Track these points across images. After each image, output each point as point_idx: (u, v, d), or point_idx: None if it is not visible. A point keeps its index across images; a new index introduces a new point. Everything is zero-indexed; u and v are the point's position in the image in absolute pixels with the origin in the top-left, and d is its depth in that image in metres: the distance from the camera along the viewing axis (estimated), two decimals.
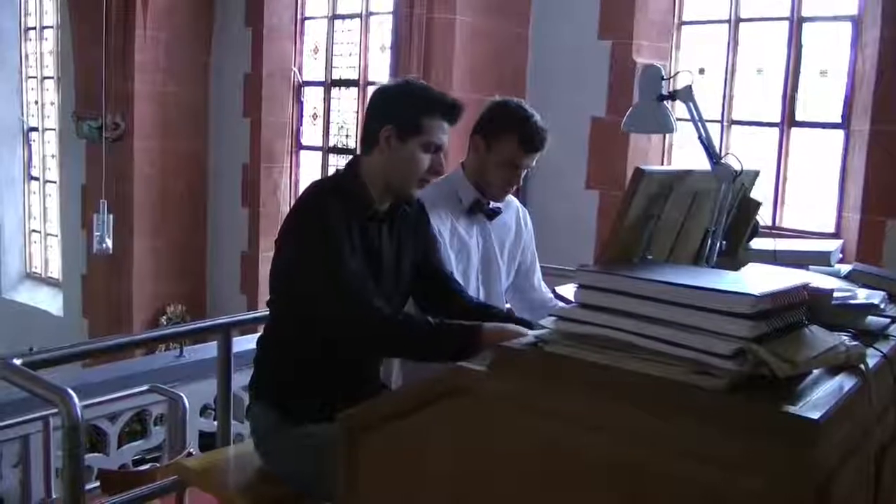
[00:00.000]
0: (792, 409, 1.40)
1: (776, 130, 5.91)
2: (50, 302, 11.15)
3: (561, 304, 3.23)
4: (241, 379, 5.16)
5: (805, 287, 1.67)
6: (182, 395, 4.52)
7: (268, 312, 2.65)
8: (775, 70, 5.90)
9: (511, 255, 3.16)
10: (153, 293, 9.33)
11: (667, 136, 6.19)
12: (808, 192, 5.88)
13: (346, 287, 2.32)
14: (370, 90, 8.25)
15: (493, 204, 3.04)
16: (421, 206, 2.69)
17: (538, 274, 3.33)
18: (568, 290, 2.38)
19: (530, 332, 1.74)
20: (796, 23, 5.76)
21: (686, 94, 2.20)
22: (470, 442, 1.73)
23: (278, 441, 2.53)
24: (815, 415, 1.37)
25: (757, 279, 1.70)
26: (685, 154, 6.33)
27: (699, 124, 2.21)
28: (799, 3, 5.75)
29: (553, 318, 1.69)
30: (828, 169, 5.70)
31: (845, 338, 1.75)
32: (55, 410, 3.13)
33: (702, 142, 2.19)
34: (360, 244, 2.42)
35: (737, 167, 2.11)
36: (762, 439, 1.37)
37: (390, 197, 2.54)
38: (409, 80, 2.58)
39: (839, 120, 5.59)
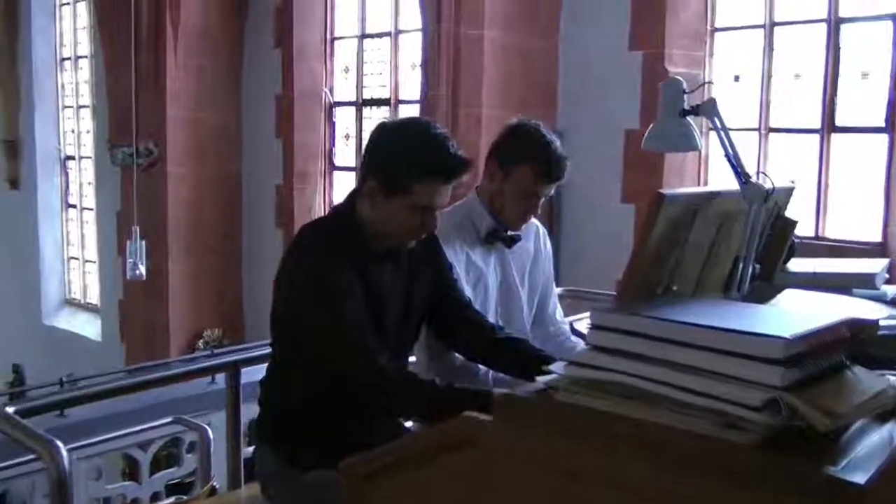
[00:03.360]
0: (833, 469, 1.23)
1: (816, 137, 5.71)
2: (89, 327, 11.20)
3: (575, 337, 3.04)
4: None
5: (846, 324, 1.49)
6: (205, 425, 4.41)
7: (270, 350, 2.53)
8: (813, 74, 5.70)
9: (532, 283, 2.97)
10: (190, 317, 9.32)
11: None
12: (852, 200, 5.66)
13: (348, 343, 2.19)
14: (402, 109, 8.17)
15: (510, 231, 2.85)
16: (432, 236, 2.49)
17: (554, 300, 3.13)
18: (585, 326, 2.21)
19: (539, 378, 1.58)
20: (834, 24, 5.55)
21: (710, 109, 2.04)
22: (476, 496, 1.57)
23: (284, 486, 2.40)
24: (860, 478, 1.20)
25: (792, 315, 1.53)
26: (723, 166, 6.11)
27: (726, 141, 2.04)
28: (836, 4, 5.54)
29: (564, 362, 1.54)
30: (872, 176, 5.47)
31: (894, 378, 1.57)
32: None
33: (729, 159, 2.02)
34: (362, 288, 2.27)
35: (768, 186, 1.94)
36: None
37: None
38: (410, 125, 2.39)
39: (882, 124, 5.37)
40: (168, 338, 9.23)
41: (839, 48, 5.55)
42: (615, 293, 5.24)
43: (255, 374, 3.62)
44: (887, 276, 2.48)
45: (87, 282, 11.73)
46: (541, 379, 1.57)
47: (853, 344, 1.50)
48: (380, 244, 2.34)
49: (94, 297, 11.50)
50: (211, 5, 8.95)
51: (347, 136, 8.86)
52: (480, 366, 2.64)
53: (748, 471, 1.27)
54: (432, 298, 2.49)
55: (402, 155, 2.24)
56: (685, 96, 2.08)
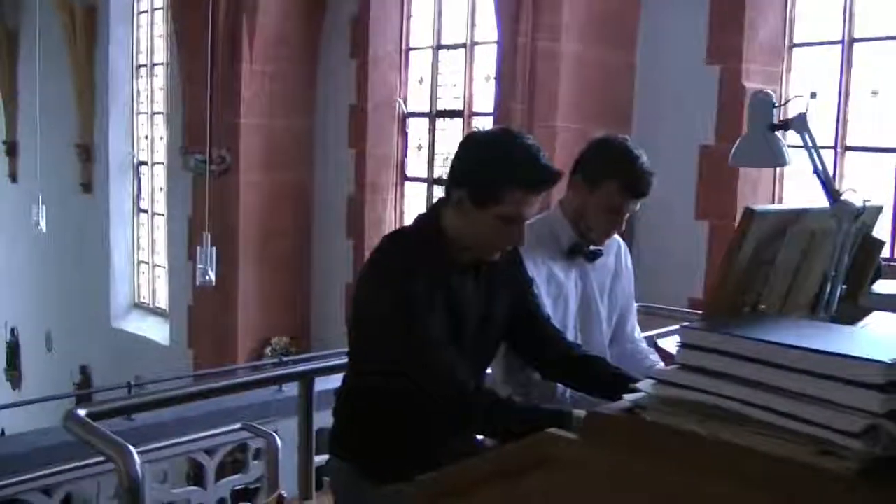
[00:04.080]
0: None
1: (894, 156, 5.58)
2: (157, 331, 11.35)
3: (655, 356, 3.00)
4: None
5: None
6: (273, 432, 4.45)
7: (347, 360, 2.53)
8: (892, 91, 5.58)
9: (612, 300, 2.94)
10: (258, 324, 9.39)
11: None
12: None
13: (428, 357, 2.19)
14: (475, 121, 8.18)
15: (592, 246, 2.83)
16: (514, 249, 2.47)
17: (633, 320, 3.09)
18: (669, 344, 2.18)
19: (627, 397, 1.55)
20: None
21: (800, 124, 1.99)
22: None
23: (357, 498, 2.40)
24: None
25: (887, 338, 1.48)
26: (798, 183, 6.03)
27: (815, 157, 2.00)
28: None
29: (651, 380, 1.51)
30: None
31: None
32: None
33: (818, 176, 1.98)
34: (443, 300, 2.26)
35: (858, 203, 1.89)
36: None
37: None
38: (503, 134, 2.35)
39: None
40: (236, 343, 9.34)
41: None
42: (688, 310, 5.20)
43: (324, 382, 3.65)
44: None
45: (157, 286, 11.91)
46: (628, 397, 1.54)
47: None
48: (463, 256, 2.33)
49: (162, 301, 11.67)
50: (288, 14, 9.03)
51: (420, 147, 8.87)
52: (559, 385, 2.61)
53: (845, 500, 1.23)
54: (512, 313, 2.48)
55: (493, 164, 2.23)
56: (774, 110, 2.04)
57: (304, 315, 9.62)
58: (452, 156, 2.37)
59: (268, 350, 9.38)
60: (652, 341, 3.02)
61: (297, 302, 9.57)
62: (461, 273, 2.33)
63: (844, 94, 5.81)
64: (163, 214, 11.47)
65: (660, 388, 1.49)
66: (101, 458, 4.47)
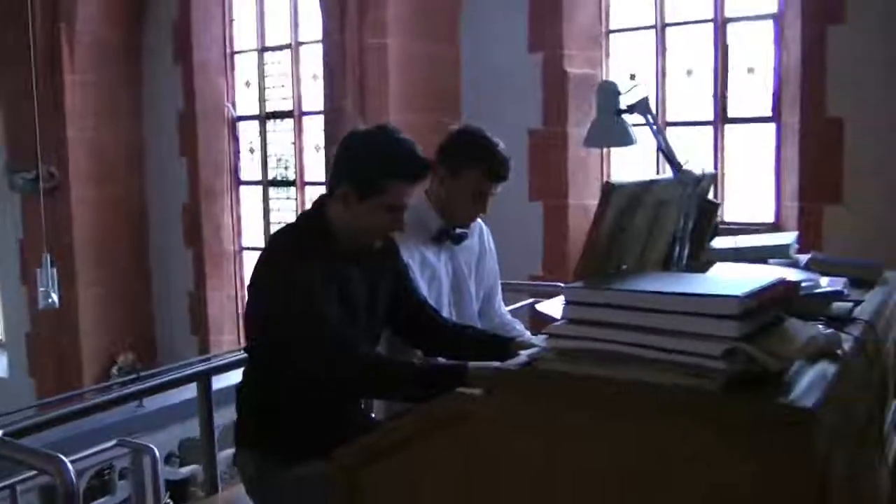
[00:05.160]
0: (786, 399, 1.48)
1: (710, 129, 6.06)
2: None
3: (520, 326, 3.30)
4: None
5: (781, 283, 1.75)
6: (152, 446, 4.49)
7: (243, 355, 2.68)
8: (704, 70, 6.05)
9: (479, 277, 3.22)
10: (101, 345, 9.11)
11: None
12: (746, 185, 6.03)
13: (328, 337, 2.37)
14: (305, 120, 8.28)
15: (458, 229, 3.08)
16: (389, 239, 2.70)
17: (499, 295, 3.38)
18: (547, 307, 2.44)
19: (523, 353, 1.79)
20: (721, 24, 5.93)
21: (643, 107, 2.28)
22: (472, 468, 1.76)
23: (270, 484, 2.55)
24: (809, 402, 1.46)
25: (735, 279, 1.78)
26: (622, 160, 6.45)
27: (658, 135, 2.29)
28: (722, 5, 5.91)
29: (544, 335, 1.75)
30: (762, 162, 5.86)
31: (820, 326, 1.84)
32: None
33: (663, 151, 2.27)
34: (335, 290, 2.45)
35: (698, 173, 2.19)
36: (763, 432, 1.45)
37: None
38: (378, 131, 2.54)
39: (770, 114, 5.76)
40: (81, 368, 9.00)
41: (727, 46, 5.92)
42: (534, 283, 5.50)
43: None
44: (797, 246, 2.78)
45: None
46: (524, 353, 1.78)
47: (788, 300, 1.76)
48: (349, 245, 2.53)
49: None
50: (107, 20, 8.80)
51: (252, 150, 8.88)
52: (440, 359, 2.84)
53: (716, 410, 1.51)
54: (393, 298, 2.70)
55: (375, 160, 2.44)
56: (619, 98, 2.32)
57: (147, 330, 9.42)
58: (334, 154, 2.56)
59: (114, 370, 9.14)
60: (531, 308, 3.28)
61: (139, 317, 9.35)
62: (347, 261, 2.53)
63: (661, 75, 6.25)
64: None
65: (552, 341, 1.73)
66: None
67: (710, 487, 1.50)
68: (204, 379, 3.31)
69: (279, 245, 2.54)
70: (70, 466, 2.41)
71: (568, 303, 1.74)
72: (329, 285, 2.42)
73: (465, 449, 1.77)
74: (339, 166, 2.51)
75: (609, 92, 2.34)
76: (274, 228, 8.59)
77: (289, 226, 2.67)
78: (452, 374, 2.19)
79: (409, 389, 2.36)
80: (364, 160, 2.47)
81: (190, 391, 5.38)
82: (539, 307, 3.15)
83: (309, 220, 2.61)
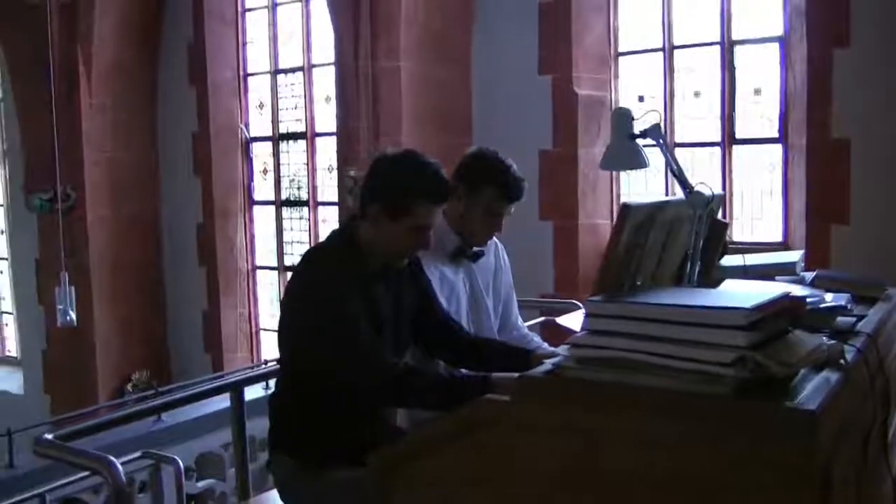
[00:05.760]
0: (791, 403, 1.60)
1: (718, 149, 6.16)
2: (9, 381, 10.86)
3: (538, 339, 3.41)
4: (224, 436, 5.28)
5: (787, 297, 1.87)
6: (176, 457, 4.58)
7: (275, 368, 2.80)
8: (712, 92, 6.17)
9: (496, 293, 3.34)
10: (117, 362, 9.22)
11: None
12: (753, 205, 6.13)
13: (362, 349, 2.50)
14: (318, 141, 8.41)
15: (475, 247, 3.21)
16: (414, 256, 2.82)
17: (515, 309, 3.49)
18: (567, 321, 2.56)
19: (547, 361, 1.91)
20: (728, 46, 6.04)
21: (655, 132, 2.41)
22: (502, 470, 1.88)
23: (302, 488, 2.67)
24: (813, 406, 1.58)
25: (744, 294, 1.90)
26: (633, 180, 6.55)
27: (670, 158, 2.41)
28: (729, 28, 6.03)
29: (567, 345, 1.87)
30: (770, 182, 5.96)
31: (824, 338, 1.96)
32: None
33: (674, 174, 2.39)
34: (365, 306, 2.58)
35: (708, 194, 2.31)
36: (770, 433, 1.57)
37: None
38: (406, 156, 2.68)
39: (776, 135, 5.87)
40: (96, 385, 9.09)
41: (734, 68, 6.03)
42: (547, 300, 5.60)
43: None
44: (803, 264, 2.90)
45: (6, 334, 11.44)
46: (548, 362, 1.90)
47: (793, 313, 1.88)
48: (376, 263, 2.67)
49: (13, 349, 11.20)
50: (123, 41, 8.94)
51: (265, 171, 9.00)
52: (463, 370, 2.95)
53: (727, 414, 1.63)
54: (417, 313, 2.83)
55: (404, 182, 2.59)
56: (632, 122, 2.45)
57: (162, 347, 9.53)
58: (366, 176, 2.70)
59: (129, 386, 9.23)
60: (552, 323, 3.39)
61: (154, 335, 9.46)
62: (376, 278, 2.66)
63: (669, 97, 6.37)
64: (6, 259, 11.11)
65: (574, 350, 1.85)
66: None
67: (722, 487, 1.62)
68: (236, 390, 3.44)
69: (314, 262, 2.68)
70: (120, 467, 2.52)
71: (588, 315, 1.86)
72: (359, 304, 2.55)
73: (493, 452, 1.88)
74: (370, 189, 2.65)
75: (623, 117, 2.46)
76: (287, 248, 8.79)
77: (322, 243, 2.81)
78: (478, 384, 2.32)
79: (435, 399, 2.48)
80: (394, 183, 2.60)
81: (205, 407, 5.56)
82: (559, 321, 3.28)
83: (340, 238, 2.74)
